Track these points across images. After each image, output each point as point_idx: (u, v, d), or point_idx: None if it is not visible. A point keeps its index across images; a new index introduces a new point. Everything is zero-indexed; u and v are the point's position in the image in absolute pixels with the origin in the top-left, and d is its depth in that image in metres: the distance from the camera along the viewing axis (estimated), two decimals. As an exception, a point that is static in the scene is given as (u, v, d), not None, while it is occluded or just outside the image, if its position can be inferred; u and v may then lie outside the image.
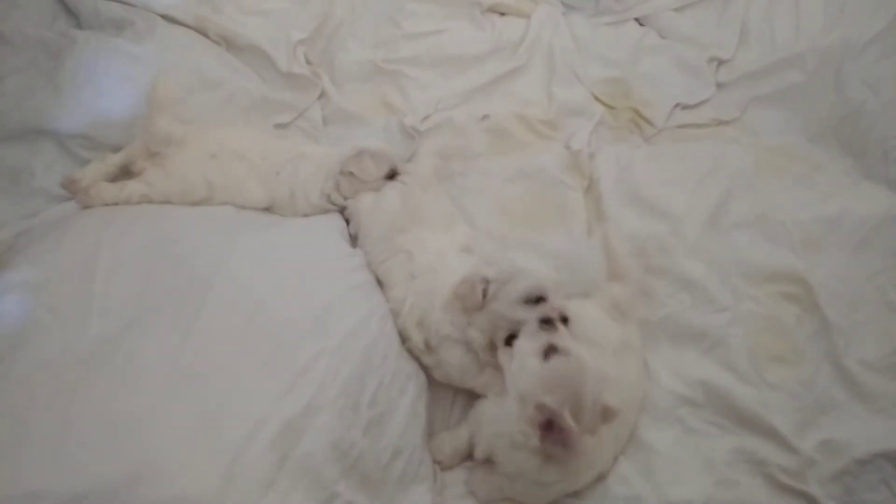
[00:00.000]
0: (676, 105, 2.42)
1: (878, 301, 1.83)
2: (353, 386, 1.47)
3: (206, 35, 2.23)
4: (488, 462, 1.56)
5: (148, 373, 1.33)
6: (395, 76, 2.42)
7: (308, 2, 2.47)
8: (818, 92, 2.33)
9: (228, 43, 2.26)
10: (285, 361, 1.43)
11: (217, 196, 1.87)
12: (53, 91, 1.89)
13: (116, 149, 1.89)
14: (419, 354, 1.69)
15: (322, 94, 2.35)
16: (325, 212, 1.97)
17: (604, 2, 2.72)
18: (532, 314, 1.49)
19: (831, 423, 1.63)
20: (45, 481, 1.16)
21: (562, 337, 1.44)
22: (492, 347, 1.59)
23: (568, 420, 1.30)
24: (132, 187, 1.80)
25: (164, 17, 2.16)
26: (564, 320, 1.49)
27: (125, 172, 1.88)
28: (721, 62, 2.52)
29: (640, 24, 2.72)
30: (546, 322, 1.47)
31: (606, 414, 1.37)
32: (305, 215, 1.95)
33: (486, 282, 1.55)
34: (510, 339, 1.52)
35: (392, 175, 1.96)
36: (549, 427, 1.33)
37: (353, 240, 1.93)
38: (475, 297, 1.55)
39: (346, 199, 1.96)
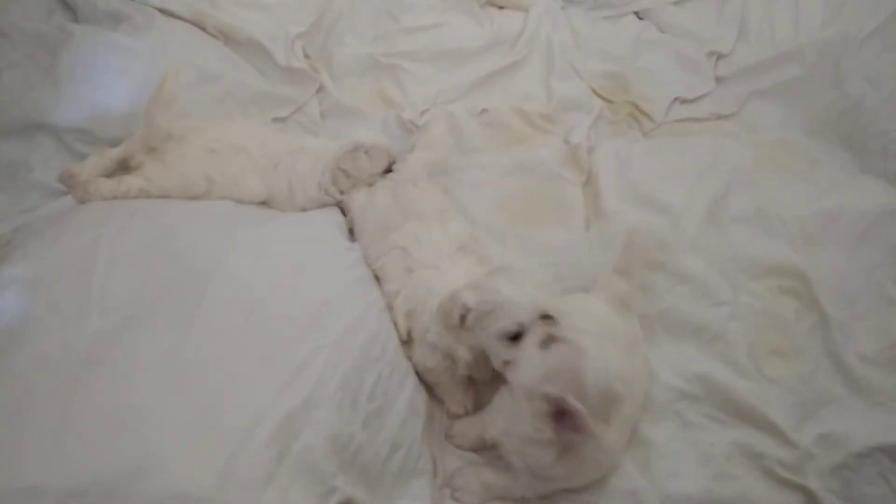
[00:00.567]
0: (675, 99, 2.42)
1: (876, 295, 1.84)
2: (352, 380, 1.47)
3: (203, 29, 2.22)
4: (478, 461, 1.58)
5: (147, 368, 1.33)
6: (394, 70, 2.42)
7: (306, -4, 2.46)
8: (817, 86, 2.33)
9: (226, 37, 2.25)
10: (284, 356, 1.42)
11: (216, 191, 1.87)
12: (51, 85, 1.88)
13: (114, 143, 1.88)
14: (401, 346, 1.69)
15: (320, 89, 2.34)
16: (324, 205, 1.96)
17: (602, -4, 2.72)
18: (511, 352, 1.47)
19: (830, 417, 1.63)
20: (44, 476, 1.16)
21: (559, 327, 1.44)
22: (482, 366, 1.59)
23: (574, 402, 1.29)
24: (130, 181, 1.79)
25: (162, 11, 2.15)
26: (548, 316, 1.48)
27: (123, 167, 1.87)
28: (720, 56, 2.52)
29: (640, 18, 2.72)
30: (543, 317, 1.46)
31: (613, 399, 1.37)
32: (303, 209, 1.95)
33: (467, 309, 1.52)
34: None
35: (391, 169, 1.96)
36: (560, 416, 1.33)
37: (351, 234, 1.92)
38: (452, 320, 1.54)
39: (341, 193, 1.96)
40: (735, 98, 2.42)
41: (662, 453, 1.57)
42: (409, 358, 1.68)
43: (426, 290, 1.66)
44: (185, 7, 2.20)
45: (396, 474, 1.52)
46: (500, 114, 2.28)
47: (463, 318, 1.52)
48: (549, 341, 1.39)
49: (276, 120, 2.23)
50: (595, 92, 2.43)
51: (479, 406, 1.71)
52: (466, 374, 1.66)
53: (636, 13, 2.72)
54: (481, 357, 1.59)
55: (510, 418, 1.48)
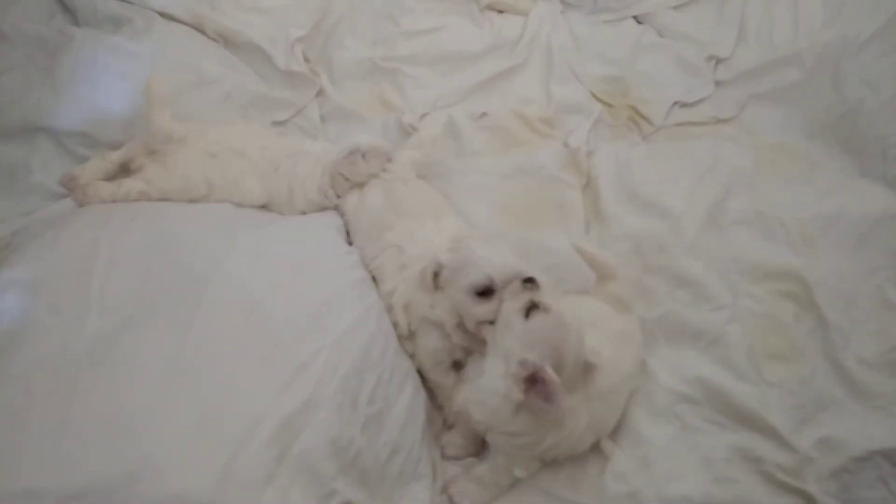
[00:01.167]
0: (675, 103, 2.43)
1: (875, 299, 1.83)
2: (352, 382, 1.47)
3: (203, 32, 2.23)
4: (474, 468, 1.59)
5: (146, 370, 1.33)
6: (394, 74, 2.42)
7: (306, -1, 2.46)
8: (816, 90, 2.34)
9: (226, 40, 2.26)
10: (283, 358, 1.42)
11: (216, 194, 1.87)
12: (51, 88, 1.88)
13: (114, 146, 1.89)
14: (404, 343, 1.69)
15: (320, 92, 2.35)
16: (323, 208, 1.97)
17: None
18: (480, 308, 1.49)
19: (829, 421, 1.62)
20: (43, 479, 1.16)
21: (543, 294, 1.45)
22: (462, 328, 1.58)
23: (551, 374, 1.33)
24: (130, 184, 1.80)
25: (162, 14, 2.15)
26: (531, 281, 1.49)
27: (123, 170, 1.88)
28: (719, 60, 2.53)
29: (639, 22, 2.72)
30: (528, 281, 1.47)
31: (587, 369, 1.41)
32: (303, 212, 1.95)
33: (440, 266, 1.55)
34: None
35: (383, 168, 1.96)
36: (533, 382, 1.36)
37: (349, 236, 1.93)
38: (427, 279, 1.56)
39: (338, 196, 1.96)
40: (734, 101, 2.43)
41: (662, 456, 1.57)
42: (412, 355, 1.68)
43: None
44: (185, 10, 2.20)
45: (396, 478, 1.52)
46: (500, 117, 2.28)
47: (436, 275, 1.54)
48: (532, 309, 1.41)
49: (276, 123, 2.24)
50: (595, 96, 2.44)
51: None
52: (463, 346, 1.63)
53: (635, 17, 2.73)
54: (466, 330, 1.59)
55: (477, 374, 1.49)
